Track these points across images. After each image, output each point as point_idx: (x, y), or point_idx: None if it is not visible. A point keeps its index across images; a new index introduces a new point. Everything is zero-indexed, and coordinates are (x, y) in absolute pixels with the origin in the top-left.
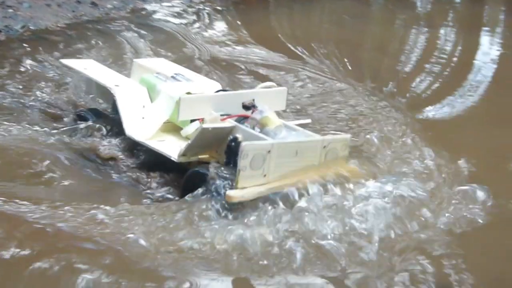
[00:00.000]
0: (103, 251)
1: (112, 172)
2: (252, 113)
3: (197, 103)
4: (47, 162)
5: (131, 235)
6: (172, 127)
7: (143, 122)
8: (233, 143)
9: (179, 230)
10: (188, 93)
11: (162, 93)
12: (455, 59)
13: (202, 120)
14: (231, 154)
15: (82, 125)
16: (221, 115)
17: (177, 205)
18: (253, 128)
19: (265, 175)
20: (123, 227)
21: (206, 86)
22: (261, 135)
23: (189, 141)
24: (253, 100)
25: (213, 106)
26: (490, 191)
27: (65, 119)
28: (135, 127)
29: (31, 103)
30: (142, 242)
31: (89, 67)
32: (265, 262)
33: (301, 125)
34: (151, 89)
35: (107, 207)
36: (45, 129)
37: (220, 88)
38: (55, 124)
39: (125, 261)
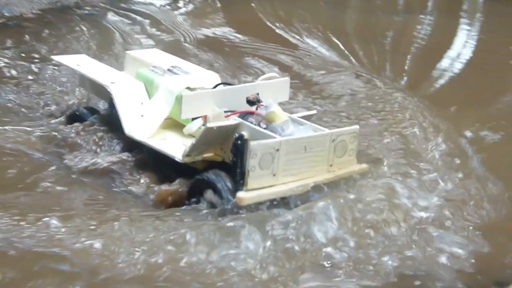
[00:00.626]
0: (72, 273)
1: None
2: (256, 108)
3: (199, 100)
4: (15, 167)
5: (94, 244)
6: (173, 123)
7: (142, 120)
8: (239, 141)
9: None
10: (188, 87)
11: (161, 88)
12: (433, 44)
13: (205, 117)
14: (238, 153)
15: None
16: (225, 111)
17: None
18: (259, 124)
19: (274, 175)
20: (90, 237)
21: (204, 78)
22: (268, 132)
23: (193, 141)
24: (257, 94)
25: (215, 102)
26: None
27: (50, 114)
28: (134, 126)
29: (9, 96)
30: (107, 253)
31: (82, 63)
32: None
33: (306, 117)
34: (148, 84)
35: (65, 216)
36: (24, 128)
37: (219, 79)
38: (34, 122)
39: (98, 279)
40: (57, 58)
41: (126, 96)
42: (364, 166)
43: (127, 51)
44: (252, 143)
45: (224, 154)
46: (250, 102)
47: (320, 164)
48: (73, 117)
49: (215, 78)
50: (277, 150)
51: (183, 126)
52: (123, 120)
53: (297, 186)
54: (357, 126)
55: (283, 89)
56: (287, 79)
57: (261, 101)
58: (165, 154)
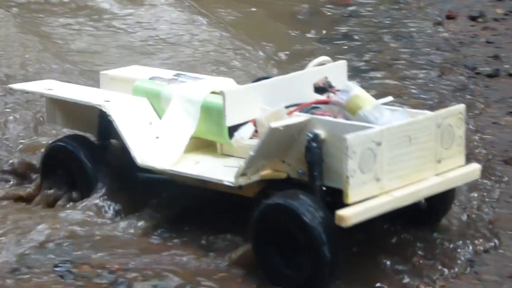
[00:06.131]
0: None
1: None
2: (328, 96)
3: (245, 97)
4: None
5: None
6: (196, 145)
7: (159, 144)
8: (314, 143)
9: None
10: (213, 92)
11: (176, 99)
12: None
13: (254, 121)
14: (315, 159)
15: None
16: (286, 107)
17: None
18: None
19: (378, 179)
20: None
21: (221, 83)
22: (356, 123)
23: (250, 153)
24: (326, 77)
25: (265, 99)
26: None
27: None
28: (149, 153)
29: None
30: None
31: (53, 87)
32: None
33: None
34: (153, 98)
35: None
36: None
37: (236, 85)
38: None
39: None
40: (18, 86)
41: (129, 116)
42: (475, 166)
43: (101, 72)
44: (349, 136)
45: (288, 167)
46: (320, 89)
47: (427, 161)
48: (55, 155)
49: (232, 83)
50: (379, 144)
51: (213, 144)
52: (131, 147)
53: (408, 195)
54: (462, 105)
55: (340, 75)
56: (343, 62)
57: (334, 86)
58: (207, 180)
